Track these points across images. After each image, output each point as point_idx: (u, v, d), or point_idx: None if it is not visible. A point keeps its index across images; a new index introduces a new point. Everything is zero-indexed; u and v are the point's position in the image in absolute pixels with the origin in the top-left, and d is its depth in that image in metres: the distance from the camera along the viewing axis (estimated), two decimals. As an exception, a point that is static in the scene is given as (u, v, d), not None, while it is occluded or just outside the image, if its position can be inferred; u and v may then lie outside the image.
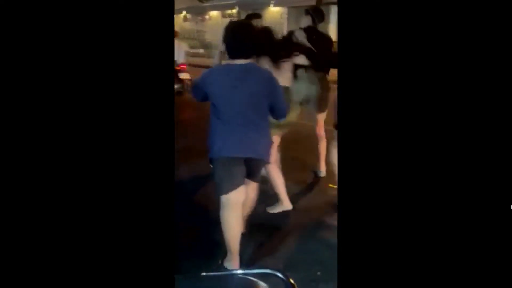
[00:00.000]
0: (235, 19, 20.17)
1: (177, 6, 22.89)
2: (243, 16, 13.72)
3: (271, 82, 1.91)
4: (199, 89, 1.90)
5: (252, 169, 1.92)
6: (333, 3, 14.61)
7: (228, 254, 1.98)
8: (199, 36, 21.44)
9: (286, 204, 2.84)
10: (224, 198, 1.82)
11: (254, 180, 2.01)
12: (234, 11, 19.90)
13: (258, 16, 3.27)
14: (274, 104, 1.91)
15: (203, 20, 22.50)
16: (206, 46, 20.16)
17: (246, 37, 1.85)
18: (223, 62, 2.05)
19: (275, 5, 17.57)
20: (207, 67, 2.64)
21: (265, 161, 2.02)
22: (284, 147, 3.05)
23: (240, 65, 1.87)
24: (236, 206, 1.85)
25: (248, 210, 2.11)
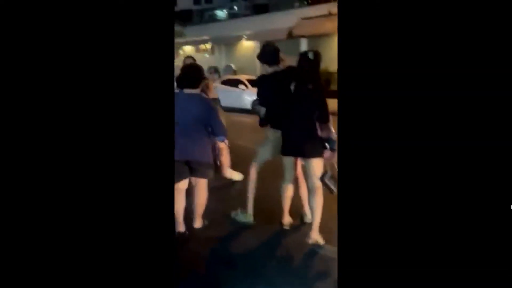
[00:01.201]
0: (208, 53, 20.61)
1: (150, 42, 23.06)
2: (217, 50, 13.90)
3: (208, 107, 2.62)
4: None
5: (194, 168, 2.64)
6: (303, 36, 15.22)
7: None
8: (173, 71, 21.58)
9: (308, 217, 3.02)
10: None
11: (198, 176, 2.74)
12: (208, 46, 20.35)
13: (191, 58, 4.18)
14: (211, 124, 2.60)
15: (177, 55, 22.83)
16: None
17: (190, 74, 2.65)
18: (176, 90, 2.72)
19: (248, 39, 18.12)
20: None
21: (203, 162, 2.67)
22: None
23: (186, 93, 2.58)
24: (179, 190, 2.67)
25: (202, 199, 2.86)
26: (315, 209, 2.70)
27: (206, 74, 3.59)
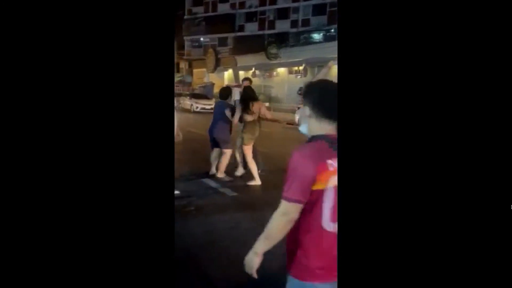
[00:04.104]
0: (301, 75, 20.93)
1: (247, 63, 24.48)
2: (309, 72, 14.12)
3: (227, 105, 5.32)
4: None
5: (220, 142, 5.31)
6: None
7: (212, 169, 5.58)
8: (265, 91, 22.33)
9: (256, 180, 5.13)
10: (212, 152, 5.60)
11: (223, 148, 5.33)
12: (301, 67, 20.66)
13: (249, 79, 5.64)
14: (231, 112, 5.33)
15: (270, 76, 23.62)
16: (271, 99, 20.92)
17: (221, 91, 5.61)
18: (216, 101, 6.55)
19: (341, 62, 18.01)
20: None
21: (225, 140, 5.30)
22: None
23: (218, 101, 5.66)
24: (215, 154, 5.55)
25: (227, 161, 5.34)
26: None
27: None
